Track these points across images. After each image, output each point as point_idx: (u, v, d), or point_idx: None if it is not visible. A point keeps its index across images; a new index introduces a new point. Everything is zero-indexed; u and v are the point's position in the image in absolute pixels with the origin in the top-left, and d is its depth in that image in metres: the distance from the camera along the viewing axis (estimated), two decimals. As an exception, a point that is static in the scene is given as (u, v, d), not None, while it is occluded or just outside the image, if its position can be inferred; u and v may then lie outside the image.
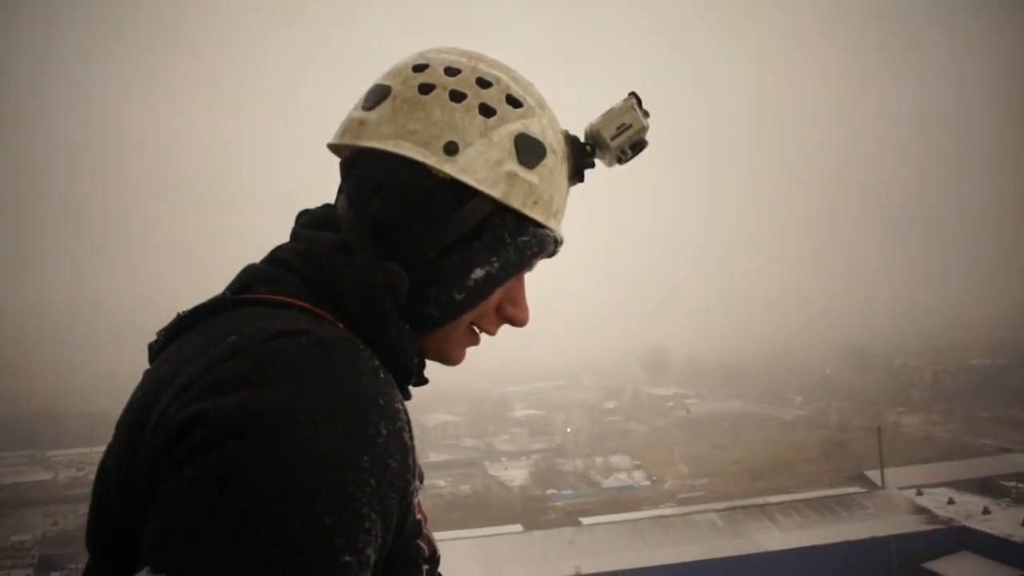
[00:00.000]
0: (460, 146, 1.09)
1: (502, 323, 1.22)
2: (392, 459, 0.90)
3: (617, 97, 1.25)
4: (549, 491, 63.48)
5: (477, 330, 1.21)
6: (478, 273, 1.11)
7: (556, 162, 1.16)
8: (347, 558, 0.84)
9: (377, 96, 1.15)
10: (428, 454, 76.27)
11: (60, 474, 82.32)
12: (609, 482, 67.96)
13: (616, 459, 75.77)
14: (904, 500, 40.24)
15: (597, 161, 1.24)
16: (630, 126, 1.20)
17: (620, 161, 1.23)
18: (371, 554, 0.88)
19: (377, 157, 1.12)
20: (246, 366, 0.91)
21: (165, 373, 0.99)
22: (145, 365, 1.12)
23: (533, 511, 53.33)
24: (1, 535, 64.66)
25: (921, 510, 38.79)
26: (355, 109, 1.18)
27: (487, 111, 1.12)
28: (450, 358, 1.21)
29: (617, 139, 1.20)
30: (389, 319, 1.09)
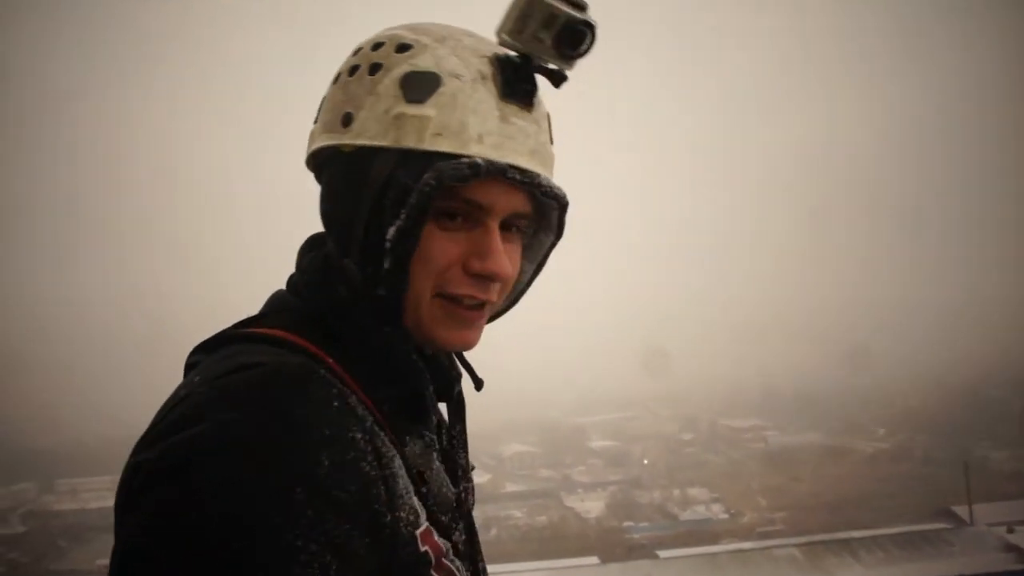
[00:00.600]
0: (354, 113, 1.05)
1: (482, 282, 1.09)
2: (340, 490, 0.87)
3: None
4: (626, 523, 63.04)
5: (452, 298, 1.09)
6: (391, 232, 1.02)
7: (462, 86, 1.04)
8: None
9: (319, 107, 1.15)
10: (504, 484, 76.34)
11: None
12: (687, 515, 67.24)
13: (694, 491, 74.90)
14: (994, 538, 39.13)
15: (563, 70, 1.09)
16: (532, 9, 1.03)
17: (563, 56, 1.06)
18: None
19: (316, 162, 1.13)
20: (189, 407, 0.90)
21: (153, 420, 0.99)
22: None
23: (610, 543, 53.00)
24: (87, 559, 66.29)
25: (1012, 548, 37.70)
26: None
27: (375, 69, 1.06)
28: (438, 339, 1.10)
29: (524, 32, 1.04)
30: (365, 329, 1.06)
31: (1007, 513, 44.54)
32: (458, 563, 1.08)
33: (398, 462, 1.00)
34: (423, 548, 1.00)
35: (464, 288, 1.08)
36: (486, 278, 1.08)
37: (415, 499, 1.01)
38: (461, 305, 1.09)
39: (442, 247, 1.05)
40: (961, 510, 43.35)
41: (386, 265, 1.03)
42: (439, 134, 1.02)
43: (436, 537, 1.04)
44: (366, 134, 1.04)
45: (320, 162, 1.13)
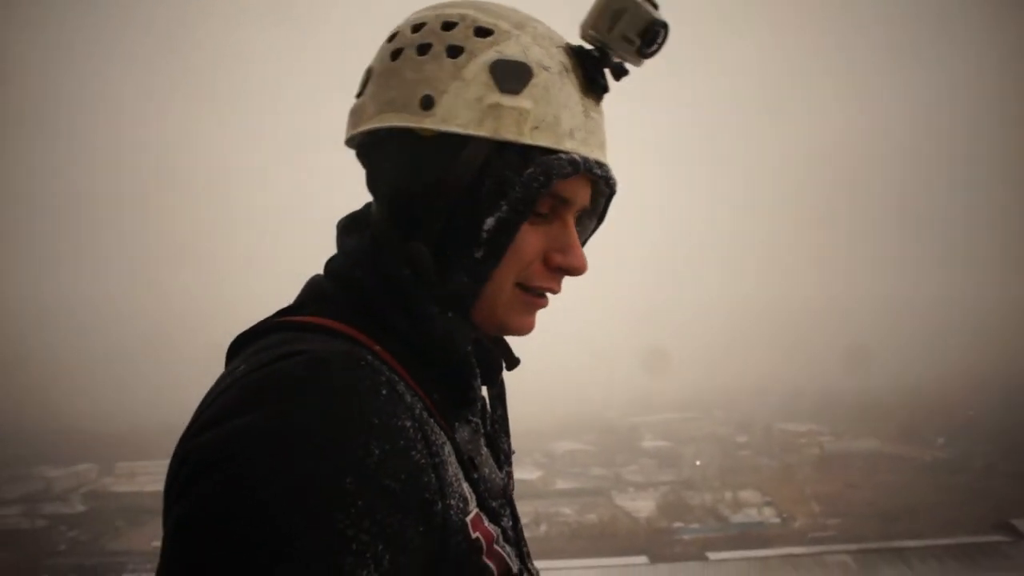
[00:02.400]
0: (435, 96, 1.02)
1: (558, 275, 1.11)
2: (391, 480, 0.87)
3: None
4: (676, 524, 62.76)
5: (530, 289, 1.11)
6: (489, 223, 1.02)
7: (552, 78, 1.05)
8: None
9: (363, 80, 1.12)
10: (556, 482, 76.40)
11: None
12: (738, 517, 66.88)
13: (745, 494, 74.32)
14: (1052, 552, 38.31)
15: (627, 65, 1.12)
16: (625, 10, 1.06)
17: (642, 54, 1.10)
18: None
19: (373, 139, 1.09)
20: (236, 396, 0.90)
21: (198, 408, 0.99)
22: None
23: (659, 543, 52.83)
24: (142, 540, 67.53)
25: (1071, 563, 36.90)
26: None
27: (455, 52, 1.04)
28: (510, 326, 1.12)
29: (615, 29, 1.07)
30: (424, 316, 1.03)
31: (1068, 528, 43.59)
32: (508, 548, 1.06)
33: (448, 448, 0.98)
34: (474, 535, 0.98)
35: (544, 281, 1.10)
36: (566, 272, 1.11)
37: (465, 485, 1.00)
38: (536, 295, 1.11)
39: (531, 241, 1.07)
40: (1021, 523, 42.40)
41: (478, 254, 1.03)
42: (537, 127, 1.03)
43: (486, 523, 1.03)
44: (455, 120, 1.02)
45: (377, 140, 1.08)
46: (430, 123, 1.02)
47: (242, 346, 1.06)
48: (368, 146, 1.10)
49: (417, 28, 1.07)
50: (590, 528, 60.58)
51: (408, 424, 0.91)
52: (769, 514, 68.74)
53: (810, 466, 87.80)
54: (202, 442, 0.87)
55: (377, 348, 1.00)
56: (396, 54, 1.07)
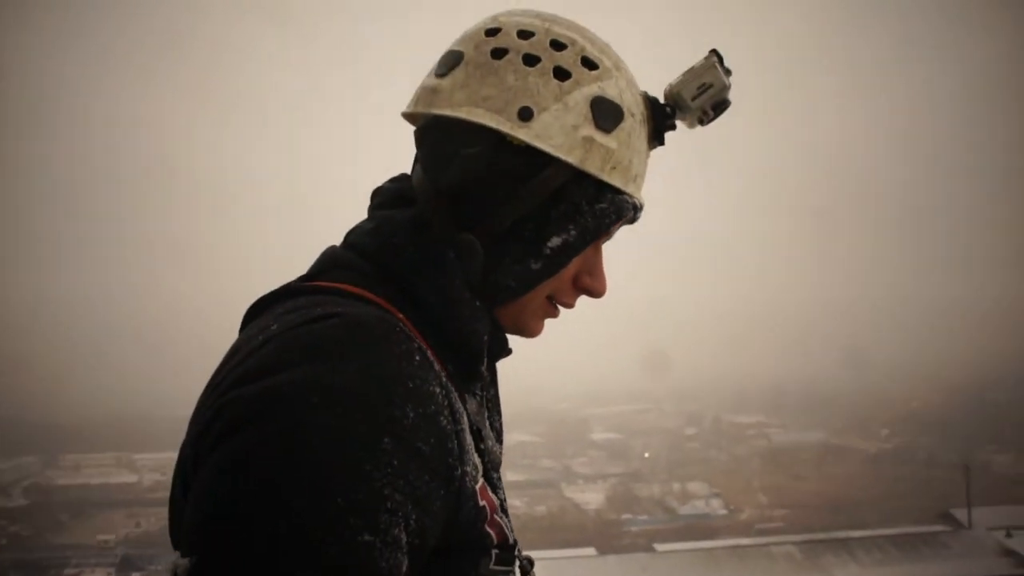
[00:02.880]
0: (535, 111, 1.06)
1: (579, 294, 1.19)
2: (422, 443, 0.90)
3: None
4: (624, 515, 63.10)
5: (554, 303, 1.19)
6: (555, 241, 1.09)
7: (635, 125, 1.12)
8: (367, 537, 0.84)
9: (450, 62, 1.12)
10: (505, 474, 76.21)
11: (145, 477, 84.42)
12: (686, 509, 67.25)
13: (693, 486, 74.90)
14: (992, 541, 38.97)
15: (678, 123, 1.20)
16: (711, 85, 1.16)
17: (702, 122, 1.20)
18: (401, 535, 0.87)
19: (451, 125, 1.09)
20: (272, 354, 0.93)
21: (224, 364, 1.02)
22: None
23: (607, 535, 53.04)
24: (87, 534, 66.61)
25: (1010, 552, 37.57)
26: (428, 76, 1.15)
27: (562, 74, 1.08)
28: (527, 329, 1.19)
29: (698, 99, 1.16)
30: (458, 298, 1.07)
31: (1007, 518, 44.28)
32: (505, 519, 1.12)
33: (465, 418, 1.02)
34: (481, 503, 1.02)
35: (569, 298, 1.18)
36: (588, 293, 1.18)
37: (475, 455, 1.03)
38: (555, 307, 1.19)
39: (575, 263, 1.14)
40: (961, 513, 43.15)
41: (535, 266, 1.09)
42: (614, 168, 1.09)
43: (490, 493, 1.07)
44: (549, 141, 1.05)
45: (456, 129, 1.09)
46: (524, 135, 1.05)
47: (264, 308, 1.10)
48: (440, 130, 1.11)
49: (524, 35, 1.10)
50: (539, 520, 60.64)
51: (437, 391, 0.95)
52: (716, 506, 69.36)
53: (758, 458, 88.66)
54: (243, 395, 0.89)
55: (400, 316, 1.03)
56: (499, 53, 1.09)
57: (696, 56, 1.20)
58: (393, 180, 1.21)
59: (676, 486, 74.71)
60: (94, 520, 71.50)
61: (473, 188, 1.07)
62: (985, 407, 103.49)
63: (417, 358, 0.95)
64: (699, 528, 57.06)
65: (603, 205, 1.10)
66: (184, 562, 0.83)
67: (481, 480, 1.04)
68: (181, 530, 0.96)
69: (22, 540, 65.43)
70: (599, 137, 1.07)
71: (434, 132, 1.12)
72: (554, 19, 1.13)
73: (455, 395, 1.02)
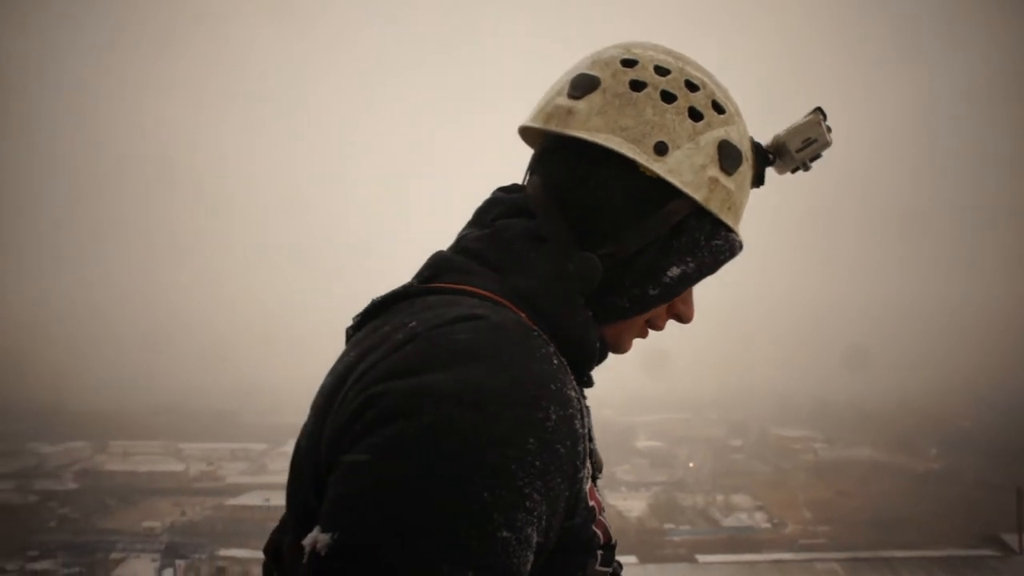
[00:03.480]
0: (670, 147, 1.11)
1: (669, 320, 1.25)
2: (561, 445, 0.93)
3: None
4: (667, 525, 62.92)
5: (650, 325, 1.25)
6: (674, 271, 1.14)
7: (747, 170, 1.19)
8: (504, 534, 0.87)
9: (585, 86, 1.15)
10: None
11: (191, 467, 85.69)
12: (729, 521, 67.15)
13: (737, 498, 74.53)
14: (1041, 568, 38.27)
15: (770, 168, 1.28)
16: (815, 140, 1.23)
17: (793, 171, 1.26)
18: (533, 534, 0.90)
19: (584, 148, 1.13)
20: (421, 351, 0.96)
21: (352, 359, 1.05)
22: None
23: (649, 544, 52.90)
24: (133, 520, 67.72)
25: (1059, 580, 36.87)
26: (558, 96, 1.18)
27: (695, 115, 1.13)
28: (621, 348, 1.24)
29: (801, 152, 1.23)
30: (574, 306, 1.11)
31: (1058, 544, 43.52)
32: (607, 521, 1.14)
33: (587, 421, 1.06)
34: (591, 503, 1.06)
35: (663, 323, 1.25)
36: (678, 320, 1.25)
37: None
38: (648, 331, 1.26)
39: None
40: (1011, 538, 42.28)
41: (653, 292, 1.15)
42: (730, 208, 1.16)
43: (597, 494, 1.13)
44: (680, 177, 1.11)
45: (587, 152, 1.13)
46: (659, 168, 1.10)
47: (382, 309, 1.15)
48: (572, 151, 1.15)
49: (661, 72, 1.15)
50: (581, 526, 60.68)
51: (573, 394, 0.97)
52: (760, 519, 69.00)
53: (803, 472, 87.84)
54: (397, 388, 0.93)
55: (529, 323, 1.07)
56: (637, 86, 1.14)
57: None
58: (505, 191, 1.25)
59: (720, 497, 74.34)
60: (140, 507, 72.68)
61: (600, 211, 1.12)
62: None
63: (555, 362, 0.99)
64: (742, 541, 56.77)
65: (719, 242, 1.16)
66: (325, 537, 0.87)
67: (590, 481, 1.07)
68: (303, 509, 1.02)
69: (71, 523, 66.80)
70: (722, 179, 1.14)
71: (565, 152, 1.16)
72: (684, 59, 1.19)
73: (583, 399, 1.08)
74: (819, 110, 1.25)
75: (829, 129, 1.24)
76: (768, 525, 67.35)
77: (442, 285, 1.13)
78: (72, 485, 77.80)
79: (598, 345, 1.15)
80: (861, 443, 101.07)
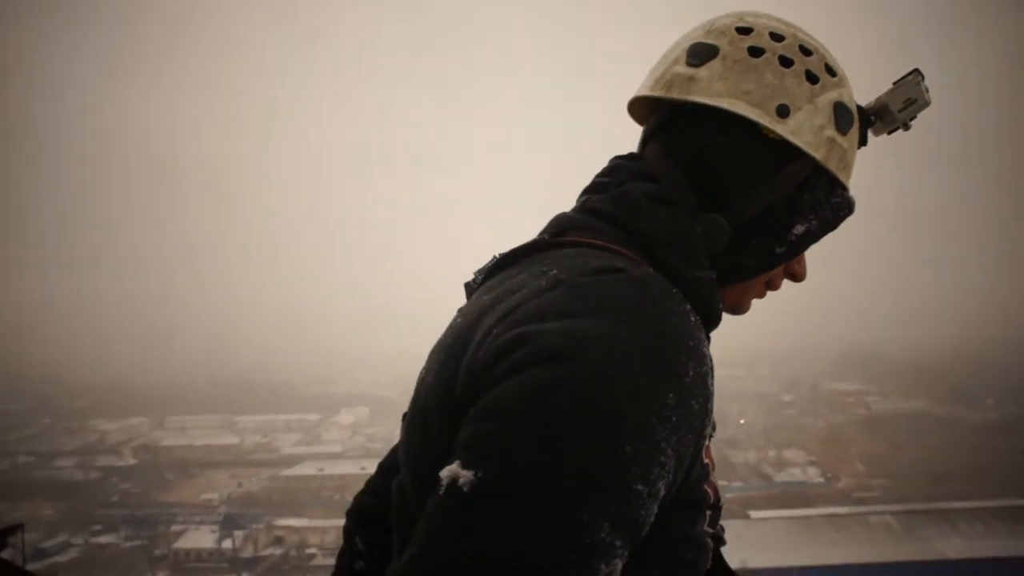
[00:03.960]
0: (791, 109, 1.14)
1: (784, 279, 1.28)
2: (695, 400, 0.94)
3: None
4: (720, 482, 62.38)
5: (768, 286, 1.28)
6: (799, 229, 1.18)
7: (856, 130, 1.22)
8: (639, 487, 0.88)
9: (704, 54, 1.18)
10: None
11: (246, 439, 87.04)
12: (781, 476, 67.00)
13: (790, 453, 74.22)
14: (1100, 515, 37.86)
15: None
16: (915, 101, 1.25)
17: (890, 132, 1.29)
18: (661, 488, 0.92)
19: (706, 113, 1.16)
20: (569, 297, 0.97)
21: (487, 301, 1.07)
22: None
23: (702, 501, 52.99)
24: (192, 492, 69.09)
25: (1120, 527, 36.46)
26: (675, 64, 1.20)
27: (812, 78, 1.17)
28: (741, 308, 1.27)
29: (903, 112, 1.25)
30: (701, 265, 1.13)
31: (1118, 491, 43.03)
32: (716, 481, 1.17)
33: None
34: (706, 460, 1.07)
35: (780, 282, 1.28)
36: (793, 279, 1.28)
37: None
38: (766, 291, 1.29)
39: None
40: (1069, 486, 41.89)
41: (779, 250, 1.19)
42: (845, 167, 1.20)
43: (712, 452, 1.15)
44: (802, 137, 1.14)
45: (712, 118, 1.16)
46: (781, 129, 1.14)
47: (513, 261, 1.18)
48: (694, 116, 1.18)
49: (776, 38, 1.18)
50: (633, 485, 60.84)
51: (707, 352, 1.00)
52: (813, 474, 68.76)
53: (856, 426, 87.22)
54: (549, 329, 0.93)
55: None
56: (756, 52, 1.17)
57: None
58: (626, 158, 1.26)
59: (772, 453, 74.06)
60: (198, 479, 74.11)
61: (725, 174, 1.16)
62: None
63: (693, 318, 1.01)
64: (795, 496, 56.67)
65: (838, 200, 1.20)
66: (468, 474, 0.87)
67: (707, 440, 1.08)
68: (421, 451, 1.05)
69: (132, 497, 68.32)
70: (839, 138, 1.18)
71: (687, 119, 1.19)
72: (794, 25, 1.23)
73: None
74: (917, 71, 1.27)
75: (927, 89, 1.26)
76: (821, 480, 67.09)
77: (574, 239, 1.16)
78: (132, 460, 79.50)
79: (720, 307, 1.17)
80: (915, 396, 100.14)
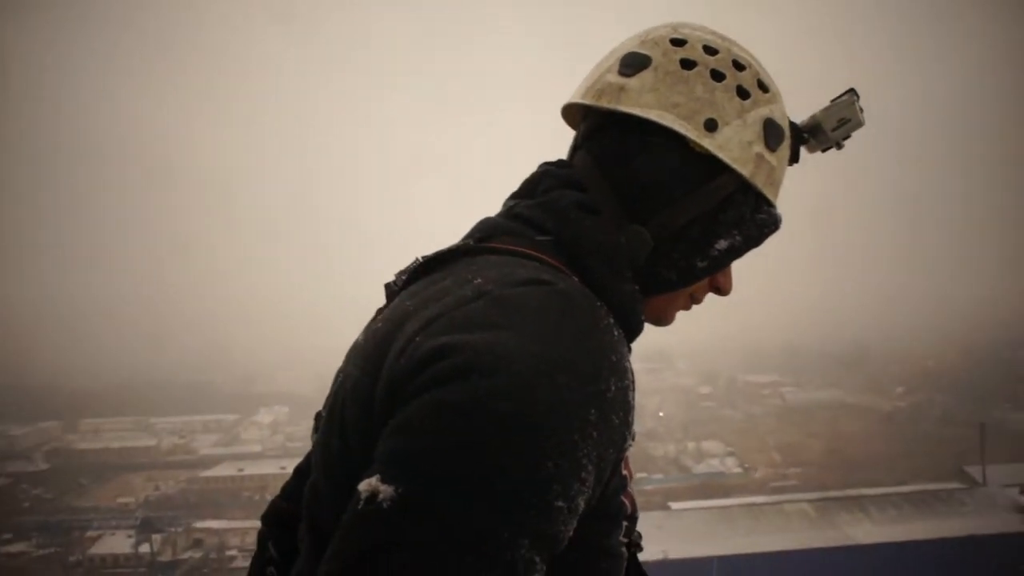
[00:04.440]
0: (719, 124, 1.15)
1: (709, 292, 1.28)
2: (616, 415, 0.95)
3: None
4: (639, 474, 63.22)
5: (692, 299, 1.28)
6: (722, 244, 1.18)
7: (786, 147, 1.23)
8: (560, 503, 0.89)
9: (636, 64, 1.18)
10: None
11: (163, 441, 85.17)
12: (700, 468, 67.76)
13: (708, 445, 75.26)
14: (1006, 499, 38.94)
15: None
16: (849, 120, 1.26)
17: (824, 151, 1.30)
18: (581, 503, 0.93)
19: (634, 124, 1.16)
20: (493, 309, 0.97)
21: (410, 307, 1.06)
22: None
23: (623, 494, 53.45)
24: (107, 496, 67.42)
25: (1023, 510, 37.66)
26: (607, 73, 1.21)
27: (743, 93, 1.18)
28: (665, 320, 1.27)
29: (836, 131, 1.26)
30: (623, 276, 1.14)
31: (1022, 475, 44.40)
32: (634, 492, 1.17)
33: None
34: (624, 472, 1.08)
35: (703, 295, 1.28)
36: (718, 293, 1.28)
37: None
38: (691, 304, 1.29)
39: None
40: (976, 471, 43.17)
41: (701, 264, 1.18)
42: (771, 184, 1.20)
43: (630, 464, 1.15)
44: (729, 152, 1.15)
45: (638, 129, 1.16)
46: (709, 144, 1.14)
47: (437, 266, 1.17)
48: (623, 127, 1.18)
49: (710, 51, 1.19)
50: (555, 479, 61.05)
51: (628, 366, 1.00)
52: (731, 464, 69.82)
53: (773, 417, 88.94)
54: (471, 343, 0.93)
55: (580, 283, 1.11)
56: (688, 64, 1.18)
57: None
58: (555, 165, 1.26)
59: (691, 445, 75.02)
60: (114, 483, 72.32)
61: (650, 185, 1.16)
62: (1000, 365, 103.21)
63: (616, 333, 1.01)
64: (714, 486, 57.45)
65: (763, 216, 1.20)
66: (388, 489, 0.87)
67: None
68: (339, 459, 1.04)
69: (45, 503, 66.35)
70: (767, 155, 1.18)
71: (616, 128, 1.18)
72: (729, 39, 1.23)
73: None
74: (853, 91, 1.28)
75: (862, 110, 1.27)
76: (739, 470, 68.21)
77: (500, 246, 1.15)
78: (43, 465, 77.17)
79: (641, 319, 1.17)
80: (829, 386, 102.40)
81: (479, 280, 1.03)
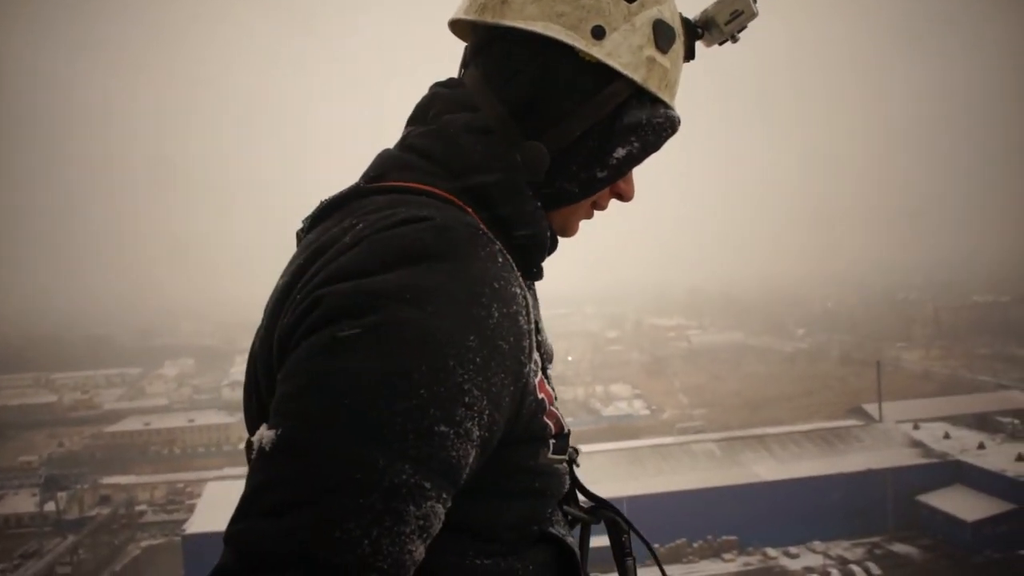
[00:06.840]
0: (607, 31, 1.12)
1: (611, 199, 1.26)
2: (504, 341, 0.95)
3: None
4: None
5: (595, 207, 1.26)
6: (620, 152, 1.15)
7: (679, 46, 1.20)
8: (442, 428, 0.90)
9: None
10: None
11: (65, 396, 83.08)
12: (609, 411, 68.97)
13: (616, 388, 76.62)
14: (901, 434, 40.61)
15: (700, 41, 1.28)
16: (742, 12, 1.23)
17: (720, 44, 1.26)
18: (473, 429, 0.93)
19: (521, 37, 1.13)
20: (366, 253, 0.97)
21: (302, 261, 1.06)
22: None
23: (533, 438, 53.97)
24: (8, 456, 65.62)
25: (917, 444, 39.18)
26: None
27: None
28: (569, 231, 1.25)
29: (729, 24, 1.23)
30: (524, 196, 1.13)
31: (915, 411, 46.12)
32: (559, 411, 1.16)
33: (533, 315, 1.07)
34: (540, 395, 1.07)
35: (607, 203, 1.25)
36: (620, 199, 1.26)
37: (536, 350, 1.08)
38: (593, 212, 1.27)
39: None
40: (872, 408, 44.78)
41: (600, 174, 1.16)
42: (667, 86, 1.17)
43: (547, 385, 1.14)
44: (618, 59, 1.12)
45: (524, 42, 1.13)
46: (597, 52, 1.11)
47: (332, 210, 1.15)
48: (509, 41, 1.15)
49: None
50: (466, 425, 61.32)
51: (518, 291, 1.00)
52: (639, 407, 71.16)
53: (678, 359, 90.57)
54: (339, 290, 0.94)
55: (475, 216, 1.09)
56: None
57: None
58: (444, 85, 1.23)
59: (599, 388, 76.22)
60: (15, 442, 70.36)
61: (542, 99, 1.13)
62: (896, 306, 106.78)
63: (500, 259, 1.01)
64: (622, 429, 58.41)
65: (660, 120, 1.17)
66: (270, 433, 0.89)
67: (540, 373, 1.09)
68: (257, 416, 1.07)
69: (-60, 464, 64.25)
70: (659, 57, 1.15)
71: (502, 43, 1.15)
72: None
73: (530, 294, 1.08)
74: None
75: (755, 0, 1.24)
76: (647, 412, 69.53)
77: (390, 184, 1.13)
78: (-63, 425, 74.70)
79: (549, 234, 1.17)
80: (732, 328, 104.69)
81: (360, 225, 1.03)
